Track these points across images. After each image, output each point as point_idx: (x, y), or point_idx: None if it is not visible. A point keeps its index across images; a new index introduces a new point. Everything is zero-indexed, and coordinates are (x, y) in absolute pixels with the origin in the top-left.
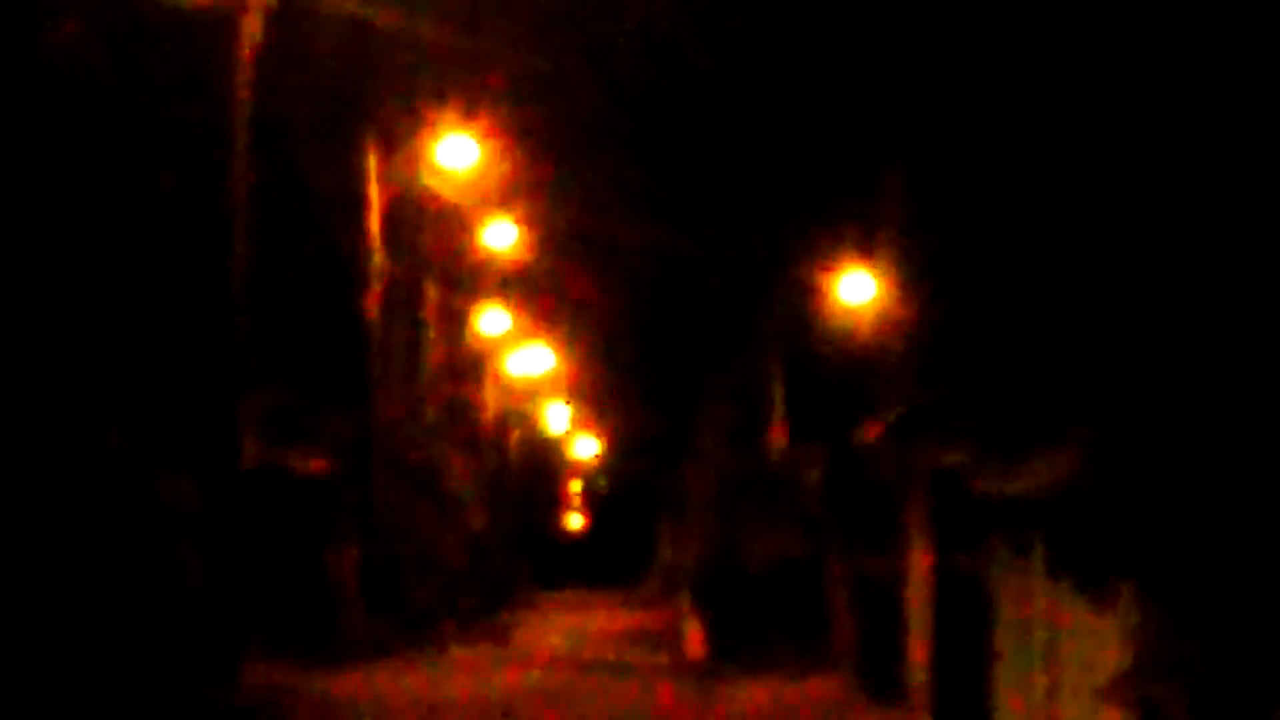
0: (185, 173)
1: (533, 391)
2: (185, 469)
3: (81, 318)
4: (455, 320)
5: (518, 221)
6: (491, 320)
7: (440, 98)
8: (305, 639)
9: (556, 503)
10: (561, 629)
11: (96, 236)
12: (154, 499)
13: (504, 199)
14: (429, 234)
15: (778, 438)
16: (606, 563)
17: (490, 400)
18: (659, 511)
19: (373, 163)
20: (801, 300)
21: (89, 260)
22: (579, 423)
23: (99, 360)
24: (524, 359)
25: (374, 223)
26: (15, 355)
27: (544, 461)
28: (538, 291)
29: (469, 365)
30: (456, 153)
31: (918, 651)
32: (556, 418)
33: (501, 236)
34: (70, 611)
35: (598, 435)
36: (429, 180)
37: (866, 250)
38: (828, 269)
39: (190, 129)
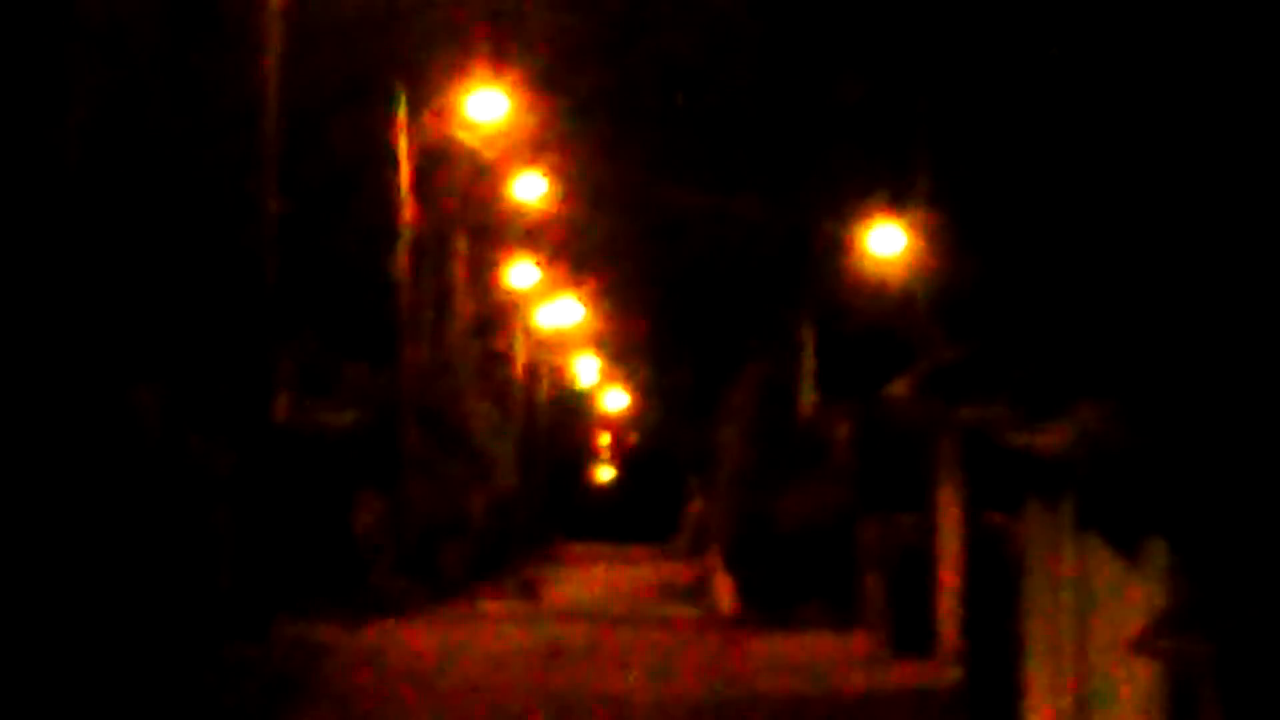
0: (214, 130)
1: (562, 344)
2: (218, 426)
3: (113, 277)
4: (484, 273)
5: (547, 174)
6: (521, 273)
7: (469, 52)
8: (335, 595)
9: (586, 456)
10: (591, 583)
11: (127, 195)
12: (187, 457)
13: (533, 152)
14: (458, 187)
15: (808, 394)
16: (636, 517)
17: (519, 353)
18: (689, 467)
19: (402, 115)
20: (833, 256)
21: (120, 219)
22: (608, 375)
23: (131, 319)
24: (553, 311)
25: (403, 176)
26: (48, 315)
27: (573, 414)
28: (567, 244)
29: (498, 318)
30: (486, 105)
31: (947, 606)
32: (586, 370)
33: (530, 189)
34: (103, 570)
35: (627, 388)
36: (458, 133)
37: (897, 203)
38: (859, 223)
39: (220, 84)
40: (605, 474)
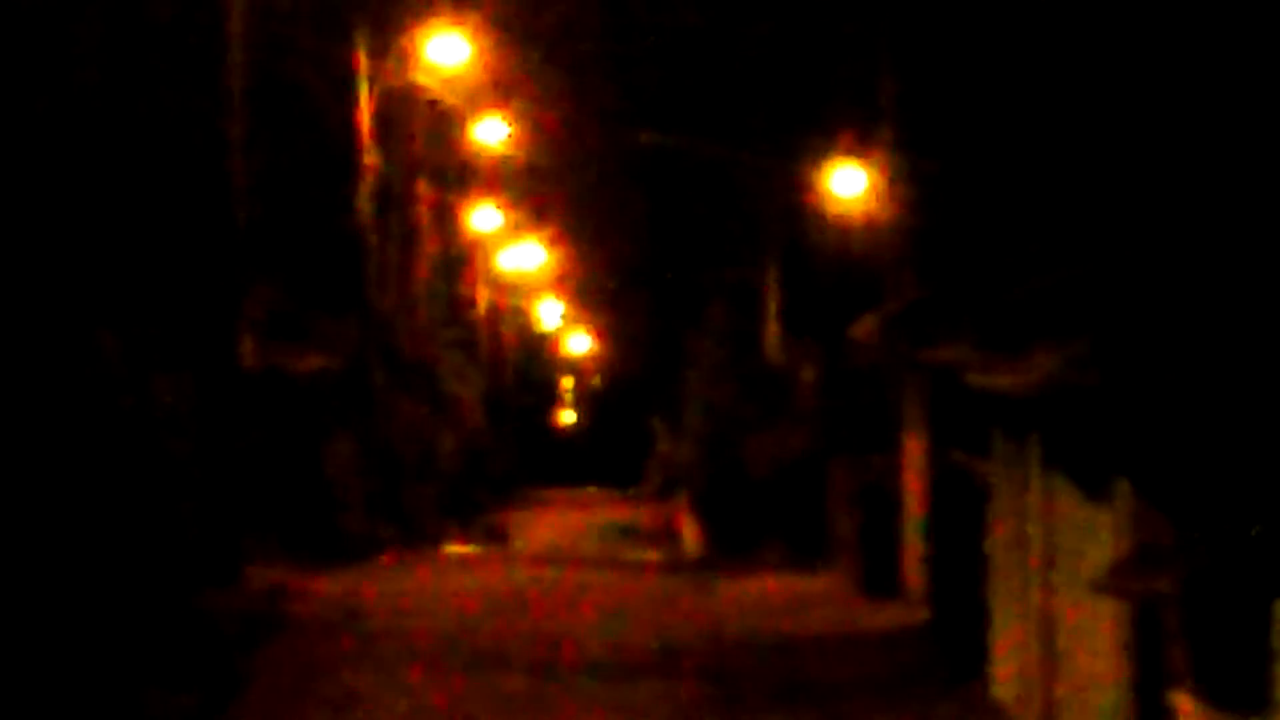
0: (179, 73)
1: (525, 288)
2: (184, 370)
3: (78, 218)
4: (447, 217)
5: (509, 118)
6: (483, 217)
7: None
8: (303, 539)
9: (550, 400)
10: (558, 527)
11: (91, 137)
12: (152, 401)
13: (496, 96)
14: (420, 131)
15: (773, 336)
16: (602, 461)
17: (483, 297)
18: (655, 410)
19: (363, 60)
20: (797, 197)
21: (84, 160)
22: (571, 319)
23: (95, 261)
24: (516, 255)
25: (365, 121)
26: (8, 255)
27: (537, 358)
28: (529, 187)
29: (462, 262)
30: (448, 50)
31: (914, 546)
32: (549, 314)
33: (493, 133)
34: (68, 515)
35: (590, 331)
36: (420, 78)
37: (863, 144)
38: (823, 164)
39: (183, 29)
40: (569, 418)
